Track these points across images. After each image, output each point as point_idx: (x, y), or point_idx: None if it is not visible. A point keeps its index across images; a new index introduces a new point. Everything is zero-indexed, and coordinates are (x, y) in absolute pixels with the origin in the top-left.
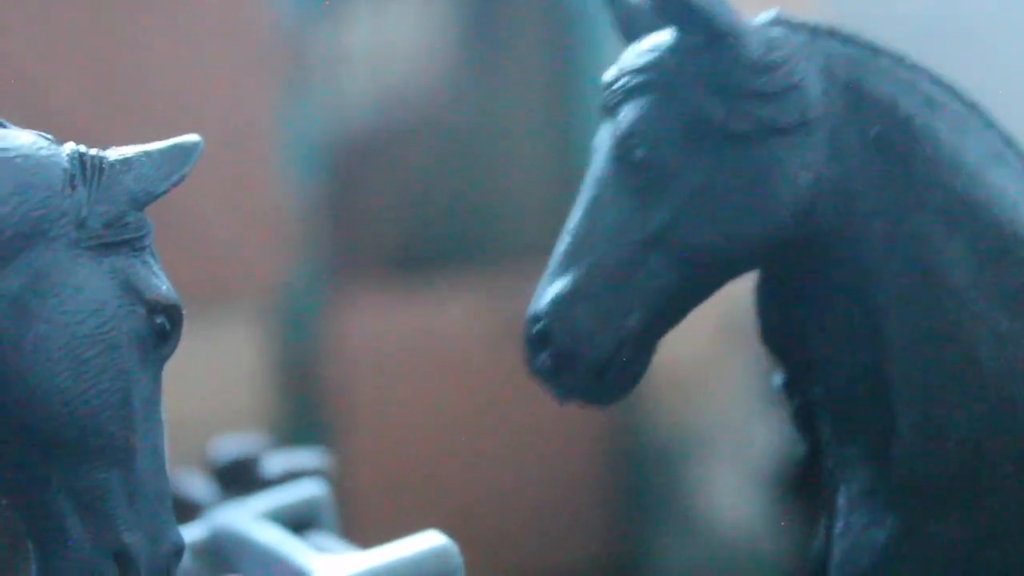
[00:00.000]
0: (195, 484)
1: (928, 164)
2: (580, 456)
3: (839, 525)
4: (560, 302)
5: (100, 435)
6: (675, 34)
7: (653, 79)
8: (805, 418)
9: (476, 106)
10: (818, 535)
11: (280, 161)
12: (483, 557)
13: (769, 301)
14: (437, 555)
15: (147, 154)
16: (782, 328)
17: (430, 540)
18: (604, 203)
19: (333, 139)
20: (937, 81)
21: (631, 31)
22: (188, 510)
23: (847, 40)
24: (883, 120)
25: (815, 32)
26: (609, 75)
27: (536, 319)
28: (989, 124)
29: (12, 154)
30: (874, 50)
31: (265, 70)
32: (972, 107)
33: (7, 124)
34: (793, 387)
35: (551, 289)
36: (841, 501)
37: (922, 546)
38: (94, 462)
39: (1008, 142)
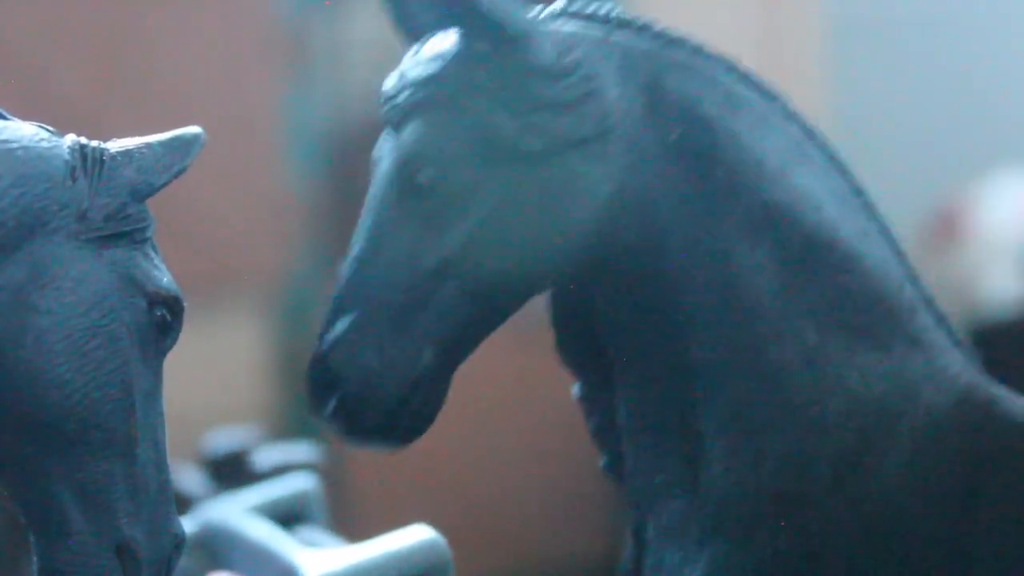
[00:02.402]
0: (188, 477)
1: (728, 170)
2: (577, 452)
3: (650, 560)
4: (344, 343)
5: (101, 427)
6: (461, 39)
7: (437, 94)
8: (606, 434)
9: None
10: (625, 559)
11: (282, 153)
12: (479, 553)
13: (563, 313)
14: (425, 549)
15: (148, 146)
16: (578, 342)
17: (418, 534)
18: (385, 231)
19: (335, 131)
20: (736, 73)
21: (410, 27)
22: (181, 503)
23: (642, 31)
24: (683, 123)
25: (609, 23)
26: (389, 85)
27: (320, 361)
28: (790, 117)
29: (13, 145)
30: (671, 41)
31: (268, 62)
32: (773, 99)
33: (8, 115)
34: (592, 402)
35: (335, 329)
36: (651, 534)
37: None
38: (95, 454)
39: (810, 134)
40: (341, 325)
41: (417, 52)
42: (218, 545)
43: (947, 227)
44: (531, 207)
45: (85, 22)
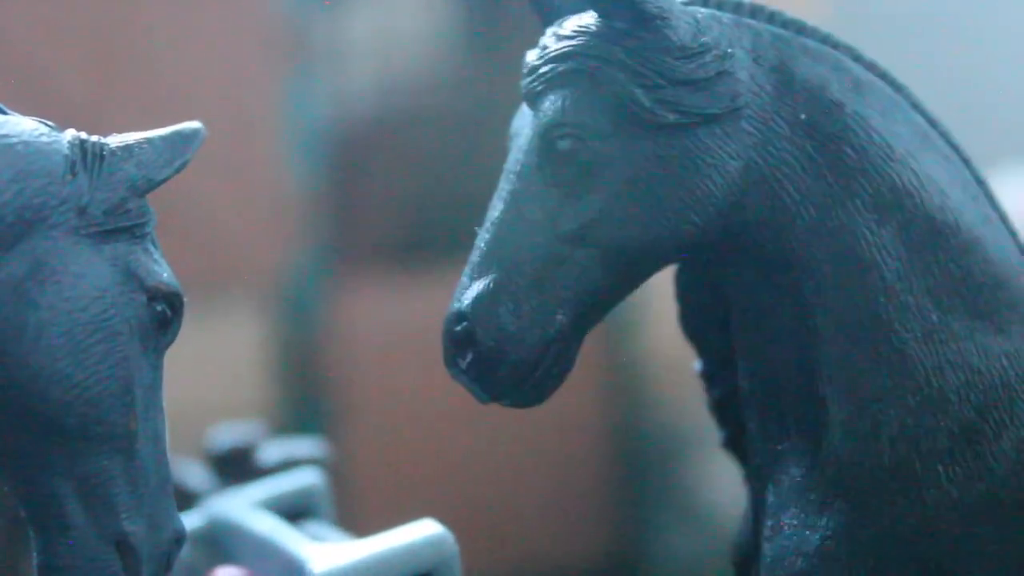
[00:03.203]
0: (192, 472)
1: (857, 151)
2: (581, 448)
3: (768, 524)
4: (483, 301)
5: (101, 422)
6: (599, 18)
7: (578, 67)
8: (727, 408)
9: (479, 95)
10: (742, 531)
11: (283, 150)
12: (483, 547)
13: (691, 287)
14: (432, 543)
15: (148, 141)
16: (705, 316)
17: (425, 528)
18: (527, 196)
19: (336, 128)
20: (865, 62)
21: (550, 11)
22: (185, 498)
23: (772, 17)
24: (811, 105)
25: (740, 9)
26: (531, 59)
27: (458, 318)
28: (916, 106)
29: (13, 141)
30: (800, 28)
31: (269, 59)
32: (899, 88)
33: (8, 111)
34: (714, 376)
35: (473, 287)
36: (770, 499)
37: (857, 548)
38: (95, 449)
39: (934, 123)
40: (479, 284)
41: (557, 28)
42: (224, 540)
43: None
44: (665, 178)
45: (86, 19)
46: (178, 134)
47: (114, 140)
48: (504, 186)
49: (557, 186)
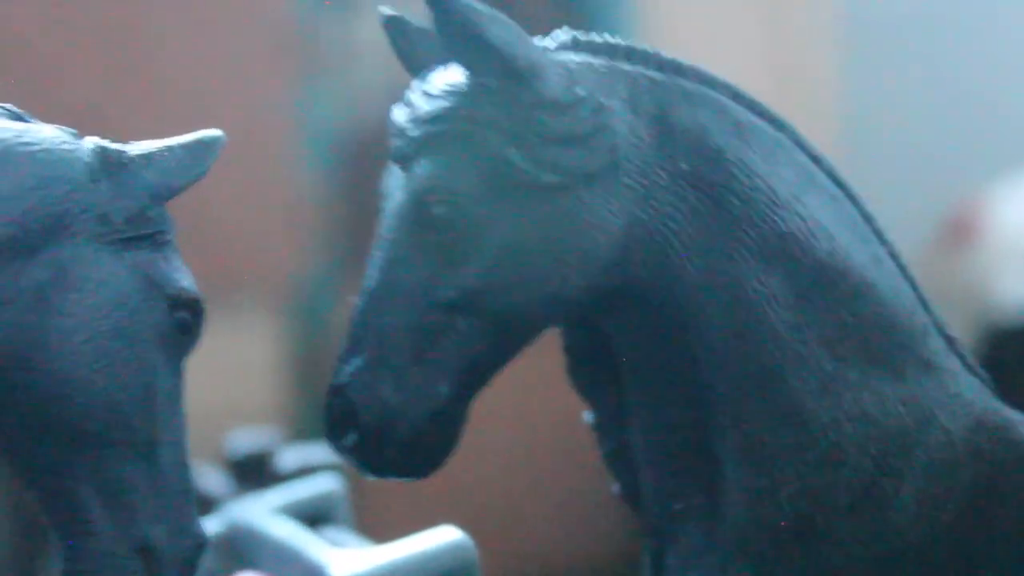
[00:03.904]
0: (210, 478)
1: (741, 199)
2: (596, 454)
3: None
4: (362, 377)
5: (123, 428)
6: (469, 73)
7: (449, 129)
8: (620, 461)
9: None
10: None
11: (296, 156)
12: (499, 553)
13: (578, 341)
14: (453, 550)
15: (168, 149)
16: (594, 369)
17: (446, 535)
18: (401, 264)
19: (348, 132)
20: (745, 101)
21: (415, 60)
22: (203, 504)
23: (648, 60)
24: (693, 154)
25: (614, 53)
26: (400, 119)
27: (337, 393)
28: (798, 144)
29: (35, 148)
30: (678, 69)
31: (281, 65)
32: (781, 127)
33: (30, 118)
34: (606, 430)
35: (352, 361)
36: (670, 561)
37: None
38: (118, 455)
39: (818, 161)
40: (358, 359)
41: (424, 84)
42: (244, 545)
43: (961, 230)
44: (545, 241)
45: (100, 26)
46: (198, 142)
47: (135, 147)
48: (377, 254)
49: (432, 253)
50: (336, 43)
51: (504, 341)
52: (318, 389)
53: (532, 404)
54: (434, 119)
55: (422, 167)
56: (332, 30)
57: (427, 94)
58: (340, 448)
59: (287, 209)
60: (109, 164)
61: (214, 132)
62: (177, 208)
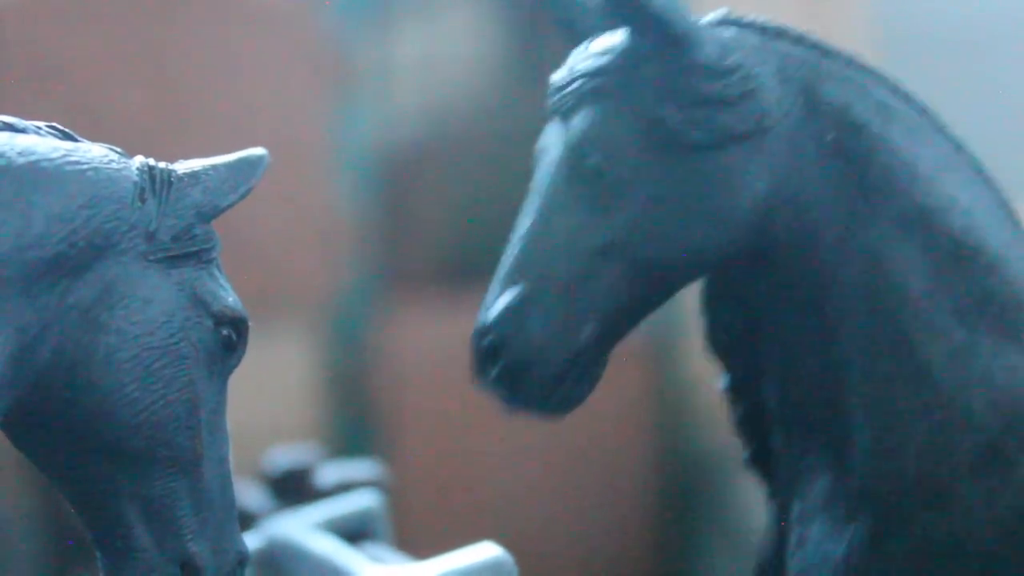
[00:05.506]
0: (250, 494)
1: (883, 171)
2: (631, 471)
3: (794, 537)
4: (511, 313)
5: (167, 445)
6: (628, 37)
7: (606, 84)
8: (751, 424)
9: (526, 117)
10: (765, 546)
11: (332, 173)
12: (534, 567)
13: (717, 303)
14: (492, 566)
15: (214, 168)
16: (730, 332)
17: (486, 551)
18: (555, 211)
19: (384, 151)
20: (889, 85)
21: (576, 32)
22: (243, 520)
23: (798, 41)
24: (837, 126)
25: (766, 32)
26: (559, 77)
27: (486, 331)
28: (939, 129)
29: (84, 167)
30: (825, 52)
31: (317, 83)
32: (923, 112)
33: (78, 138)
34: (739, 392)
35: (501, 300)
36: (796, 512)
37: (882, 561)
38: (162, 471)
39: (958, 147)
40: (508, 296)
41: (586, 48)
42: (284, 561)
43: None
44: (691, 196)
45: (140, 48)
46: (243, 160)
47: (180, 166)
48: (533, 200)
49: (585, 202)
50: (374, 62)
51: (647, 290)
52: (356, 406)
53: (569, 421)
54: (592, 74)
55: (579, 119)
56: (370, 49)
57: (587, 55)
58: (484, 381)
59: (325, 228)
60: (156, 183)
61: (258, 151)
62: (216, 227)
